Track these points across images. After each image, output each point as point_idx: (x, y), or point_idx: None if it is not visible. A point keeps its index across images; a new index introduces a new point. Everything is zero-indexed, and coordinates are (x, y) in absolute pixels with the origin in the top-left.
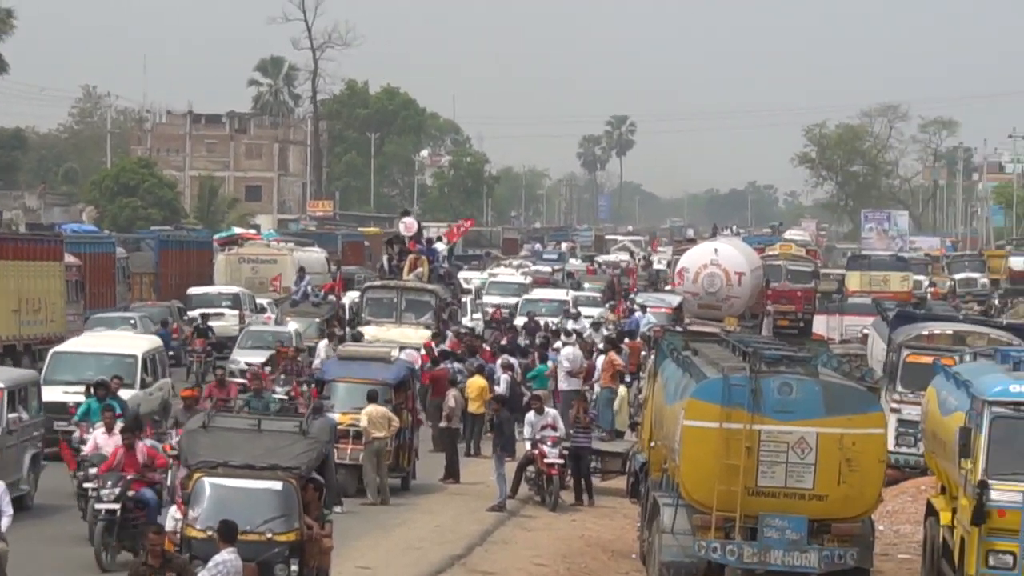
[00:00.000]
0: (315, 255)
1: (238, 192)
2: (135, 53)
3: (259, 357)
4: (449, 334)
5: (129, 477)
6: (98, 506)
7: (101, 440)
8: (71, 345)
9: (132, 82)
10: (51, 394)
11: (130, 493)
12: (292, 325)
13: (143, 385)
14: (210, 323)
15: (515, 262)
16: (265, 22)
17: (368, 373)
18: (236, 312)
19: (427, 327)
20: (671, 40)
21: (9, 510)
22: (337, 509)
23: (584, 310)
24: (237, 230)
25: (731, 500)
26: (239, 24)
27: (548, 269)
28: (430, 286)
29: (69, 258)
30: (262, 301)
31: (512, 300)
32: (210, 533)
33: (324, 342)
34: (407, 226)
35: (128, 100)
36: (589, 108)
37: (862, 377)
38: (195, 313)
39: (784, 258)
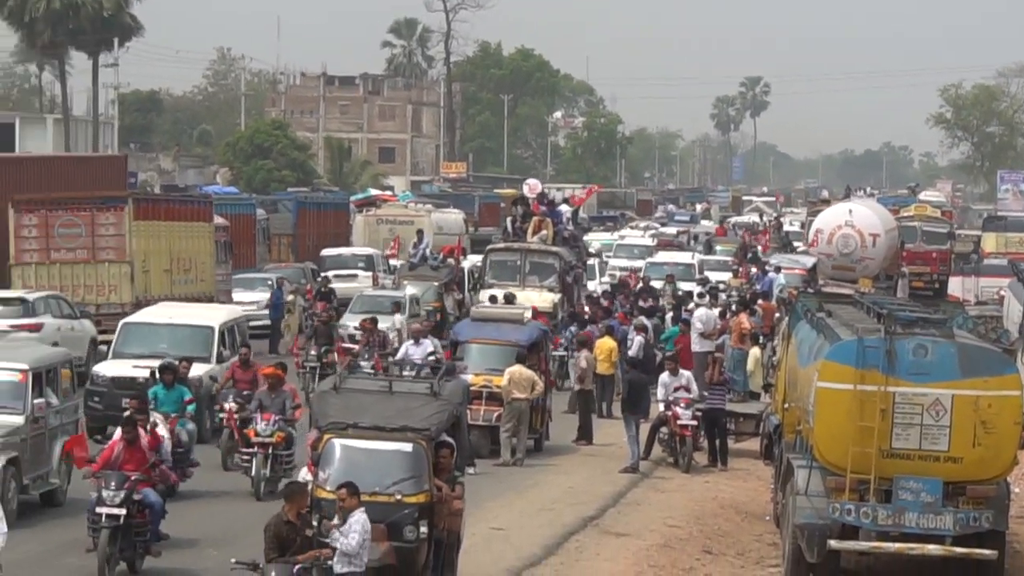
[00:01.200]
0: (453, 216)
1: (371, 154)
2: (269, 15)
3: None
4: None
5: (134, 478)
6: (99, 510)
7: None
8: (143, 315)
9: (266, 44)
10: (119, 368)
11: (135, 496)
12: (409, 289)
13: (219, 359)
14: (343, 284)
15: (642, 224)
16: None
17: (501, 334)
18: (369, 274)
19: (551, 290)
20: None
21: (2, 527)
22: (471, 470)
23: (712, 275)
24: (373, 192)
25: (865, 462)
26: None
27: (673, 231)
28: (554, 248)
29: (218, 219)
30: (394, 263)
31: (639, 263)
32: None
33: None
34: (531, 187)
35: (262, 62)
36: (723, 69)
37: (998, 339)
38: (329, 274)
39: (919, 219)
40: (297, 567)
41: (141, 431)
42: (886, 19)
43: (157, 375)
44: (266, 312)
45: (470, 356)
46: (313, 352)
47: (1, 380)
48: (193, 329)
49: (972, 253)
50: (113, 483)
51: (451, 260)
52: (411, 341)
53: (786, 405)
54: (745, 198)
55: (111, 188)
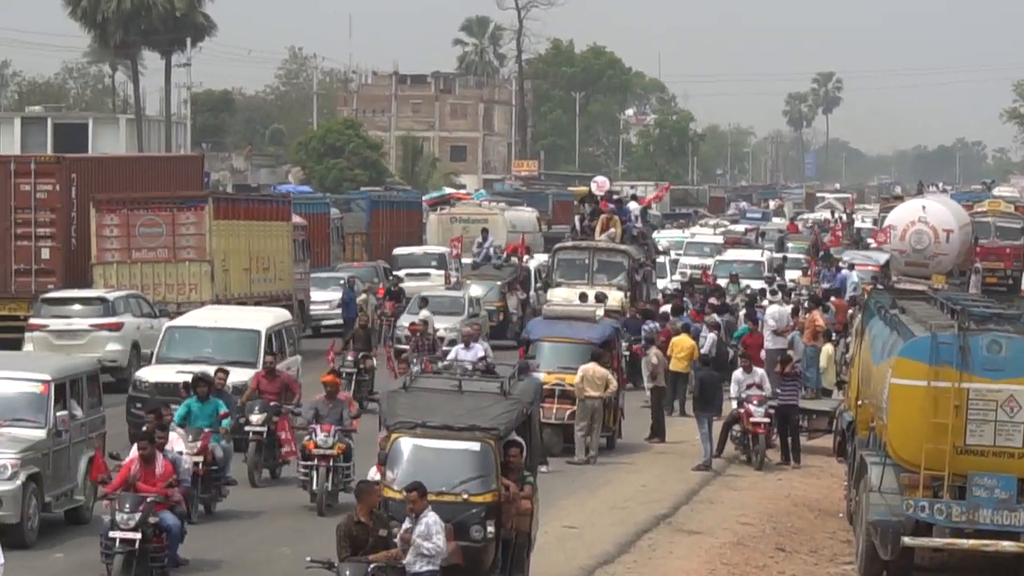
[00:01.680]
0: (526, 215)
1: (443, 152)
2: (341, 14)
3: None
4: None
5: (150, 499)
6: (113, 534)
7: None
8: (189, 319)
9: (338, 43)
10: (162, 374)
11: (151, 519)
12: (473, 289)
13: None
14: (415, 283)
15: (711, 221)
16: None
17: (573, 332)
18: (442, 272)
19: (620, 288)
20: None
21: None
22: (543, 469)
23: (790, 273)
24: (448, 190)
25: (939, 459)
26: None
27: (741, 228)
28: (622, 247)
29: (295, 218)
30: (467, 260)
31: (709, 261)
32: (405, 494)
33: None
34: (599, 185)
35: (334, 61)
36: (795, 65)
37: None
38: (401, 273)
39: (993, 215)
40: (372, 566)
41: (158, 452)
42: (958, 13)
43: (191, 389)
44: (339, 312)
45: (542, 354)
46: (350, 357)
47: (22, 391)
48: (239, 333)
49: None
50: (128, 505)
51: (515, 259)
52: (461, 345)
53: (859, 402)
54: (819, 195)
55: (188, 188)
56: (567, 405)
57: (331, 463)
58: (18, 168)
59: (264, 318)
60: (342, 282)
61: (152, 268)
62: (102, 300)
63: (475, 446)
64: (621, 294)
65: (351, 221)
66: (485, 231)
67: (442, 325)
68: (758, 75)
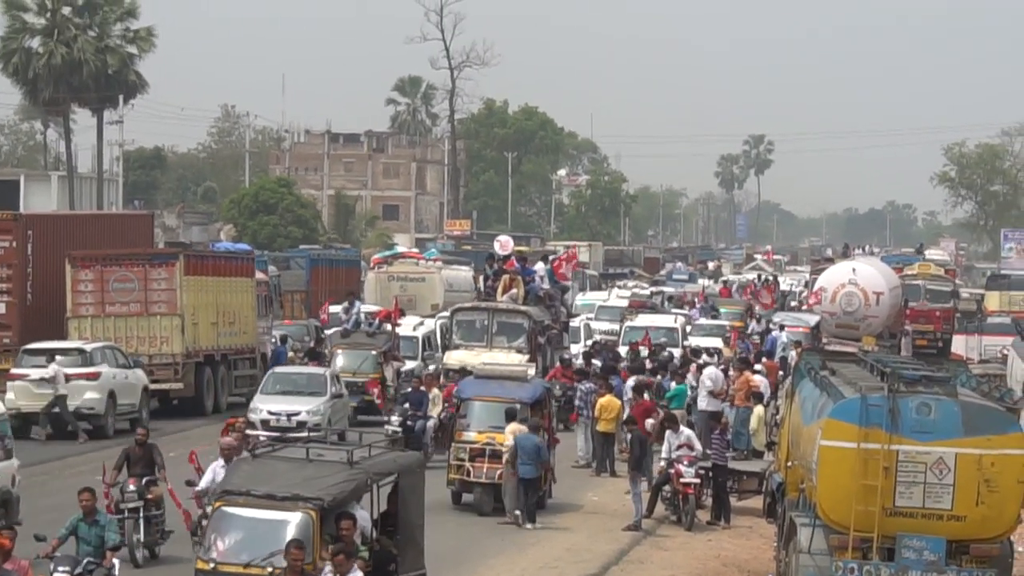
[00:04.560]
0: (462, 273)
1: (376, 211)
2: (274, 73)
3: (282, 405)
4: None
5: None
6: None
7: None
8: None
9: (271, 101)
10: None
11: None
12: (340, 360)
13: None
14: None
15: (630, 283)
16: (403, 42)
17: (505, 392)
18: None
19: (519, 351)
20: (808, 60)
21: None
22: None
23: (702, 341)
24: (400, 249)
25: (869, 520)
26: (377, 44)
27: (647, 292)
28: (523, 308)
29: (258, 275)
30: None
31: (618, 326)
32: (212, 566)
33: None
34: (502, 244)
35: (267, 119)
36: (727, 127)
37: (1001, 397)
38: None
39: (923, 277)
40: None
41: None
42: (889, 79)
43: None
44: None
45: (473, 413)
46: (132, 487)
47: None
48: None
49: (975, 312)
50: None
51: (387, 325)
52: (220, 461)
53: (789, 463)
54: (760, 256)
55: (138, 244)
56: (497, 464)
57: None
58: None
59: None
60: (273, 340)
61: (125, 322)
62: (80, 351)
63: (291, 516)
64: (521, 356)
65: (290, 279)
66: (352, 295)
67: (302, 408)
68: (690, 136)
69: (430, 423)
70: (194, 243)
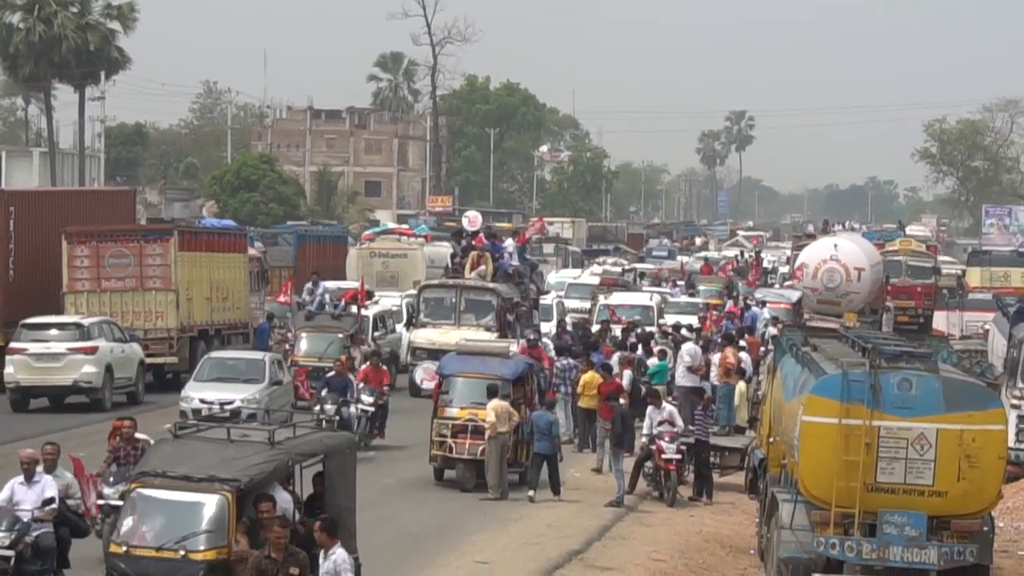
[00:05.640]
0: (443, 250)
1: (357, 187)
2: (256, 49)
3: (216, 393)
4: (521, 340)
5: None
6: None
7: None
8: None
9: (253, 78)
10: None
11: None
12: (303, 344)
13: None
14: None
15: (609, 260)
16: (385, 18)
17: (487, 368)
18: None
19: (487, 329)
20: (791, 36)
21: None
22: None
23: (680, 318)
24: (391, 225)
25: (850, 496)
26: (359, 20)
27: (618, 269)
28: (491, 285)
29: (251, 251)
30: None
31: (589, 304)
32: (124, 549)
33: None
34: (470, 220)
35: (249, 96)
36: (708, 103)
37: (982, 373)
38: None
39: (904, 253)
40: None
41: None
42: (871, 55)
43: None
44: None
45: (455, 389)
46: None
47: None
48: None
49: (956, 287)
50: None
51: (353, 307)
52: (19, 478)
53: (771, 439)
54: (742, 233)
55: (121, 221)
56: (479, 440)
57: None
58: None
59: None
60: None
61: (120, 297)
62: (77, 326)
63: (205, 498)
64: (489, 334)
65: (278, 255)
66: (316, 275)
67: (237, 397)
68: (672, 113)
69: (353, 409)
70: (175, 219)
